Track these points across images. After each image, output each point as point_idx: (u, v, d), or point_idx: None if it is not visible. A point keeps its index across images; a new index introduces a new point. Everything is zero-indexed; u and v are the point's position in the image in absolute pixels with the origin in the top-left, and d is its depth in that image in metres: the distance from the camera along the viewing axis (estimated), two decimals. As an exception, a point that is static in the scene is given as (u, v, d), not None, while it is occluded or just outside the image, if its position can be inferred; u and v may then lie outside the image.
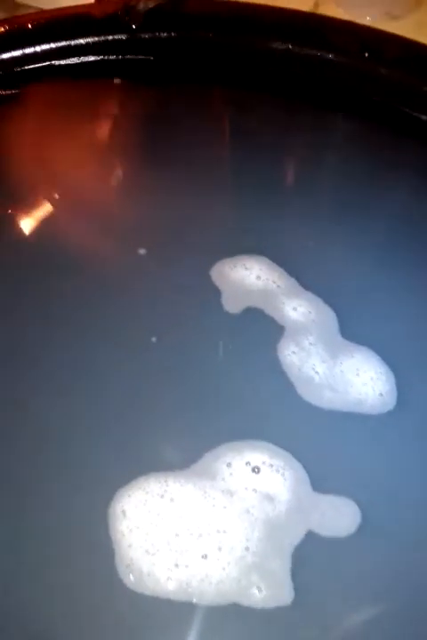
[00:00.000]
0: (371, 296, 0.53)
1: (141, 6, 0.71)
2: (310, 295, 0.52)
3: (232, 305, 0.51)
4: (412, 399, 0.45)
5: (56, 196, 0.62)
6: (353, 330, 0.49)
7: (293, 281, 0.53)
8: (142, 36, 0.72)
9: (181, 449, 0.42)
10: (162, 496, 0.39)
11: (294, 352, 0.48)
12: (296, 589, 0.36)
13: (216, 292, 0.52)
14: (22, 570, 0.36)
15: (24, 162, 0.66)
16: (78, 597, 0.36)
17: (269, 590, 0.36)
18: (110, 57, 0.73)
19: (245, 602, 0.35)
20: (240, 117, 0.70)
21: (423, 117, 0.65)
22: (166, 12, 0.72)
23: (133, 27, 0.70)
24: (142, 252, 0.55)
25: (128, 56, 0.73)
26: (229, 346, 0.48)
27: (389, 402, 0.45)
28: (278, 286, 0.53)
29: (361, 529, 0.38)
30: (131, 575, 0.36)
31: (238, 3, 0.73)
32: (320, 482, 0.40)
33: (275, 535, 0.38)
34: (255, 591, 0.36)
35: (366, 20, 0.73)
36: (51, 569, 0.37)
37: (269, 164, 0.64)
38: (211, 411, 0.44)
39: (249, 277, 0.54)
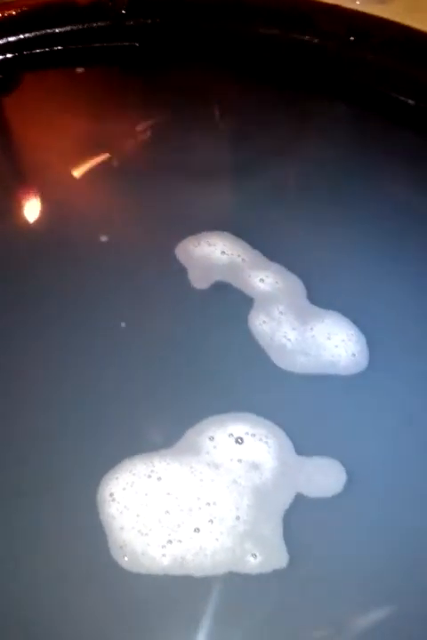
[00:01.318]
0: (335, 261, 0.54)
1: None
2: (275, 265, 0.53)
3: (200, 282, 0.52)
4: (383, 357, 0.46)
5: (21, 184, 0.61)
6: (320, 295, 0.50)
7: (257, 253, 0.54)
8: (127, 22, 0.71)
9: (164, 428, 0.42)
10: (149, 476, 0.39)
11: (264, 322, 0.48)
12: (290, 552, 0.36)
13: (183, 271, 0.52)
14: (15, 563, 0.36)
15: (4, 150, 0.65)
16: (74, 584, 0.35)
17: (263, 556, 0.36)
18: (95, 44, 0.72)
19: (241, 570, 0.36)
20: (216, 99, 0.71)
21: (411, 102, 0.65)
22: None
23: (123, 12, 0.69)
24: (104, 239, 0.55)
25: (113, 43, 0.72)
26: (201, 322, 0.49)
27: (361, 361, 0.46)
28: (244, 260, 0.53)
29: (347, 486, 0.39)
30: (125, 557, 0.36)
31: None
32: (303, 445, 0.41)
33: (264, 502, 0.38)
34: (250, 558, 0.36)
35: (356, 3, 0.72)
36: (44, 559, 0.36)
37: (234, 142, 0.65)
38: (189, 388, 0.44)
39: (214, 253, 0.54)
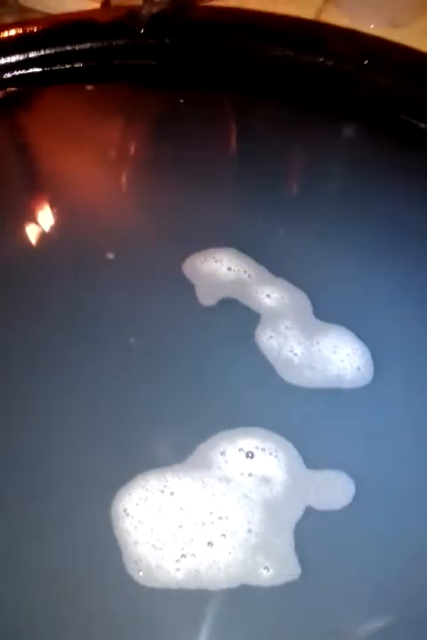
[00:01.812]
0: (340, 276, 0.55)
1: (145, 12, 0.71)
2: (281, 281, 0.54)
3: (207, 298, 0.52)
4: (388, 369, 0.47)
5: (33, 195, 0.62)
6: (326, 310, 0.51)
7: (263, 269, 0.55)
8: (145, 41, 0.73)
9: (176, 443, 0.42)
10: (162, 491, 0.40)
11: (271, 337, 0.49)
12: (301, 564, 0.37)
13: (190, 287, 0.53)
14: (29, 578, 0.37)
15: (23, 163, 0.66)
16: (91, 601, 0.36)
17: (275, 568, 0.37)
18: (114, 62, 0.74)
19: (254, 582, 0.36)
20: (229, 118, 0.72)
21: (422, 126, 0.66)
22: (170, 18, 0.73)
23: (141, 31, 0.71)
24: (111, 255, 0.56)
25: (131, 60, 0.74)
26: (209, 338, 0.49)
27: (367, 375, 0.47)
28: (249, 276, 0.54)
29: (356, 498, 0.40)
30: (140, 571, 0.37)
31: (241, 10, 0.74)
32: (312, 459, 0.41)
33: (275, 515, 0.39)
34: (263, 571, 0.37)
35: (370, 27, 0.72)
36: (59, 577, 0.37)
37: (244, 160, 0.66)
38: (198, 403, 0.45)
39: (220, 269, 0.55)
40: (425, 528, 0.39)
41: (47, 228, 0.60)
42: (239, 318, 0.51)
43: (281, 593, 0.36)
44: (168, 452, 0.42)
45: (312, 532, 0.38)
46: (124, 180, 0.66)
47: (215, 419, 0.44)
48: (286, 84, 0.72)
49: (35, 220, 0.60)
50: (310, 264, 0.55)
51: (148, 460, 0.41)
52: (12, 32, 0.72)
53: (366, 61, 0.67)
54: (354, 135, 0.70)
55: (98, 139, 0.70)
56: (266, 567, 0.37)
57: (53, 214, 0.61)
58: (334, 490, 0.40)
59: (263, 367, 0.47)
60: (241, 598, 0.36)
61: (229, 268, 0.55)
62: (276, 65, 0.72)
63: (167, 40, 0.74)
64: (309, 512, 0.39)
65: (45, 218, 0.61)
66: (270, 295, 0.52)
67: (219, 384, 0.46)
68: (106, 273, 0.55)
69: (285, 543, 0.38)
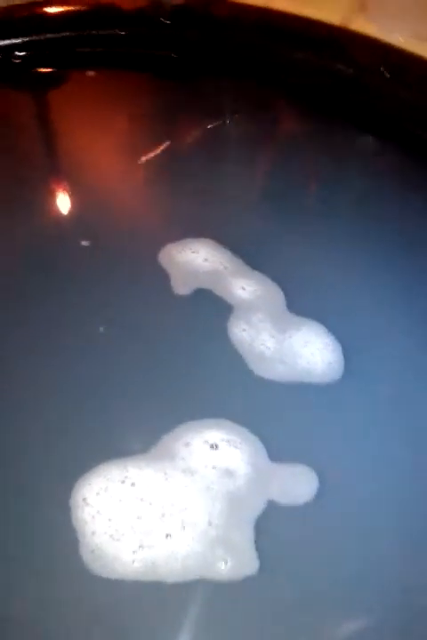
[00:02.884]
0: (315, 271, 0.54)
1: (169, 2, 0.72)
2: (257, 274, 0.53)
3: (181, 288, 0.52)
4: (358, 365, 0.47)
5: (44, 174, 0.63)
6: (300, 305, 0.51)
7: (239, 261, 0.54)
8: (167, 32, 0.73)
9: (140, 433, 0.42)
10: (122, 481, 0.39)
11: (244, 330, 0.49)
12: (261, 559, 0.37)
13: (165, 277, 0.52)
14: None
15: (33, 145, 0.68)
16: (44, 588, 0.36)
17: (234, 562, 0.36)
18: (135, 50, 0.74)
19: (212, 576, 0.36)
20: (238, 113, 0.71)
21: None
22: (193, 10, 0.73)
23: (168, 22, 0.70)
24: (86, 243, 0.55)
25: (152, 51, 0.74)
26: (181, 328, 0.49)
27: (337, 369, 0.46)
28: (226, 268, 0.54)
29: (319, 494, 0.39)
30: (96, 561, 0.36)
31: (266, 9, 0.73)
32: (277, 452, 0.41)
33: (236, 508, 0.38)
34: (221, 564, 0.36)
35: (399, 40, 0.69)
36: (13, 562, 0.36)
37: (235, 155, 0.66)
38: (166, 393, 0.45)
39: (196, 260, 0.54)
40: (387, 527, 0.38)
41: (26, 210, 0.59)
42: (213, 309, 0.50)
43: (239, 587, 0.36)
44: (132, 442, 0.41)
45: (273, 526, 0.38)
46: (115, 167, 0.66)
47: (182, 409, 0.43)
48: (304, 87, 0.71)
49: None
50: (286, 259, 0.55)
51: (111, 449, 0.40)
52: (36, 11, 0.73)
53: (387, 72, 0.66)
54: (349, 136, 0.69)
55: (100, 124, 0.70)
56: (225, 560, 0.36)
57: (38, 196, 0.61)
58: (298, 485, 0.40)
59: (234, 359, 0.47)
60: (198, 591, 0.36)
61: (206, 260, 0.54)
62: (295, 67, 0.71)
63: (188, 33, 0.73)
64: (271, 506, 0.39)
65: (29, 200, 0.60)
66: (245, 288, 0.52)
67: (188, 374, 0.46)
68: (81, 258, 0.54)
69: (245, 537, 0.37)
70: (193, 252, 0.55)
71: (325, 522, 0.38)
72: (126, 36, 0.74)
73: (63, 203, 0.61)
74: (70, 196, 0.62)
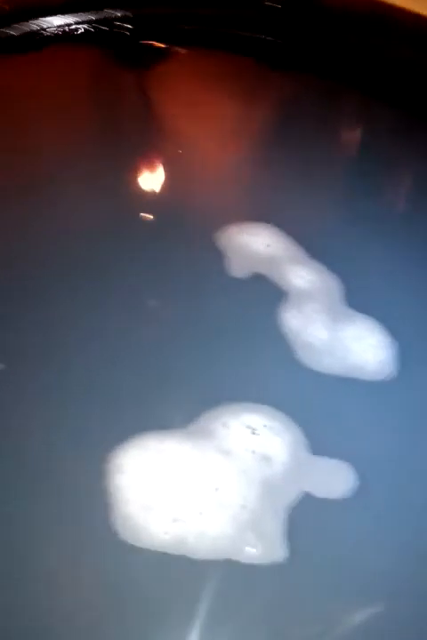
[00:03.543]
0: (377, 267, 0.53)
1: None
2: (316, 264, 0.52)
3: (238, 270, 0.52)
4: (411, 368, 0.45)
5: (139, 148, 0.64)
6: (358, 299, 0.50)
7: (300, 250, 0.54)
8: (277, 18, 0.72)
9: (181, 408, 0.42)
10: (160, 453, 0.39)
11: (296, 317, 0.48)
12: (290, 548, 0.36)
13: (224, 258, 0.52)
14: (17, 519, 0.37)
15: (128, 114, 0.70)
16: (74, 552, 0.36)
17: (263, 548, 0.36)
18: (241, 32, 0.75)
19: (239, 558, 0.36)
20: (331, 107, 0.71)
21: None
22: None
23: (279, 6, 0.70)
24: (150, 217, 0.56)
25: (258, 35, 0.74)
26: (232, 309, 0.49)
27: (388, 369, 0.45)
28: (286, 255, 0.53)
29: (356, 492, 0.38)
30: (127, 530, 0.36)
31: (380, 3, 0.72)
32: (318, 445, 0.40)
33: (271, 495, 0.38)
34: (250, 548, 0.36)
35: None
36: (46, 523, 0.37)
37: (313, 147, 0.65)
38: (211, 372, 0.45)
39: (256, 244, 0.54)
40: (422, 534, 0.37)
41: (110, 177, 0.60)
42: (267, 294, 0.50)
43: (265, 573, 0.35)
44: (172, 415, 0.41)
45: (306, 517, 0.37)
46: (199, 144, 0.67)
47: (225, 389, 0.43)
48: (406, 87, 0.69)
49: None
50: (348, 252, 0.54)
51: (150, 420, 0.41)
52: None
53: None
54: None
55: (193, 102, 0.71)
56: (254, 545, 0.36)
57: (122, 165, 0.62)
58: (336, 480, 0.39)
59: (282, 346, 0.46)
60: (224, 572, 0.35)
61: (268, 245, 0.54)
62: (401, 66, 0.69)
63: (298, 22, 0.73)
64: (306, 497, 0.38)
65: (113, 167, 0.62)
66: (303, 276, 0.51)
67: (234, 355, 0.46)
68: (142, 231, 0.55)
69: (277, 525, 0.37)
70: (254, 236, 0.55)
71: (358, 519, 0.38)
72: (233, 17, 0.74)
73: (140, 175, 0.62)
74: (149, 169, 0.63)
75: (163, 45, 0.77)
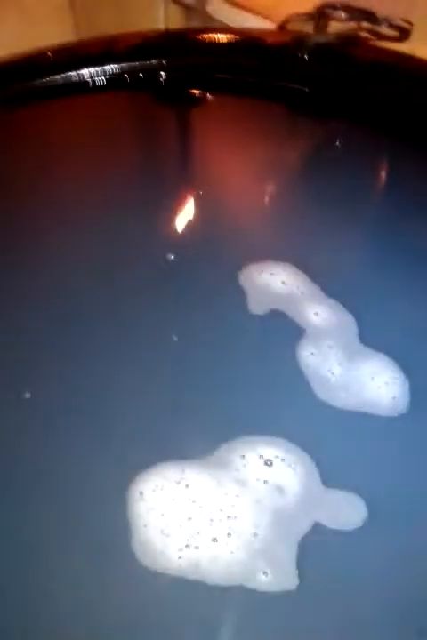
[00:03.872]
0: (392, 306, 0.54)
1: (313, 40, 0.75)
2: (331, 302, 0.54)
3: (256, 306, 0.54)
4: (424, 405, 0.47)
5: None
6: (372, 337, 0.51)
7: (316, 287, 0.55)
8: (305, 67, 0.76)
9: (200, 439, 0.44)
10: (178, 482, 0.41)
11: (312, 354, 0.50)
12: (300, 577, 0.38)
13: (242, 295, 0.54)
14: (37, 546, 0.39)
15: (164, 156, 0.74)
16: (92, 572, 0.38)
17: (274, 575, 0.38)
18: (273, 80, 0.78)
19: (251, 585, 0.37)
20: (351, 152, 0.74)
21: None
22: (333, 49, 0.75)
23: (305, 57, 0.74)
24: (172, 256, 0.58)
25: (287, 83, 0.78)
26: (250, 344, 0.51)
27: (401, 406, 0.46)
28: (302, 292, 0.55)
29: (367, 525, 0.40)
30: (144, 553, 0.38)
31: (405, 56, 0.73)
32: (330, 478, 0.42)
33: (283, 524, 0.40)
34: (262, 576, 0.38)
35: None
36: (61, 541, 0.39)
37: (335, 191, 0.67)
38: (229, 405, 0.46)
39: (275, 282, 0.56)
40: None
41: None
42: (284, 331, 0.52)
43: (276, 600, 0.37)
44: (191, 446, 0.43)
45: (317, 548, 0.39)
46: (225, 185, 0.69)
47: (242, 422, 0.45)
48: None
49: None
50: (363, 290, 0.56)
51: (170, 450, 0.43)
52: (183, 37, 0.81)
53: None
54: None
55: (226, 144, 0.75)
56: (265, 572, 0.38)
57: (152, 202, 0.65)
58: (347, 512, 0.40)
59: (299, 381, 0.48)
60: (236, 597, 0.37)
61: (284, 282, 0.56)
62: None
63: (325, 71, 0.76)
64: (317, 528, 0.40)
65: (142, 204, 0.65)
66: (319, 314, 0.53)
67: (252, 389, 0.47)
68: (165, 269, 0.57)
69: (288, 553, 0.39)
70: (272, 274, 0.57)
71: (369, 552, 0.39)
72: (265, 66, 0.78)
73: (166, 213, 0.65)
74: (175, 207, 0.66)
75: (197, 92, 0.80)
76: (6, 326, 0.51)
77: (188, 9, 0.94)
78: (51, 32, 1.06)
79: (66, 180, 0.67)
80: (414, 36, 0.71)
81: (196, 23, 0.94)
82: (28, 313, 0.53)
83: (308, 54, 0.75)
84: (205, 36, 0.80)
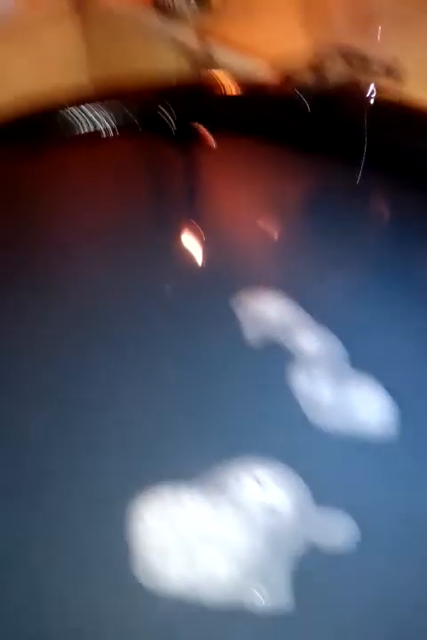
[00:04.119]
0: (379, 332, 0.56)
1: (313, 89, 0.78)
2: (323, 330, 0.56)
3: (250, 334, 0.56)
4: (411, 425, 0.48)
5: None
6: (363, 365, 0.53)
7: (308, 317, 0.57)
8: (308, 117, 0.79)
9: (196, 462, 0.45)
10: (175, 504, 0.43)
11: (304, 379, 0.51)
12: (294, 594, 0.39)
13: (237, 322, 0.56)
14: (40, 562, 0.40)
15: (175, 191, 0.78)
16: (90, 591, 0.40)
17: (268, 593, 0.39)
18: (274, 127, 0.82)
19: (245, 601, 0.39)
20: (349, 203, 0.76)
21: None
22: (332, 97, 0.78)
23: (307, 108, 0.78)
24: (168, 286, 0.60)
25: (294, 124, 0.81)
26: (244, 369, 0.52)
27: (390, 430, 0.48)
28: (294, 321, 0.57)
29: (358, 544, 0.41)
30: (142, 572, 0.40)
31: (412, 107, 0.75)
32: (322, 498, 0.43)
33: (276, 544, 0.41)
34: (256, 593, 0.39)
35: None
36: (66, 563, 0.41)
37: (334, 232, 0.70)
38: (224, 428, 0.48)
39: (268, 311, 0.58)
40: (421, 593, 0.40)
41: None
42: (277, 357, 0.54)
43: (269, 618, 0.38)
44: (188, 469, 0.45)
45: (310, 566, 0.40)
46: (225, 218, 0.73)
47: (237, 445, 0.46)
48: None
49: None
50: (352, 319, 0.58)
51: (169, 474, 0.44)
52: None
53: None
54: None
55: (227, 182, 0.79)
56: (259, 590, 0.39)
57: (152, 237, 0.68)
58: (338, 531, 0.42)
59: (291, 405, 0.50)
60: (231, 614, 0.38)
61: (276, 311, 0.58)
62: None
63: (326, 120, 0.79)
64: (309, 547, 0.41)
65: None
66: (310, 341, 0.55)
67: (246, 413, 0.49)
68: (161, 298, 0.60)
69: (281, 572, 0.40)
70: (265, 304, 0.59)
71: (360, 570, 0.40)
72: (268, 116, 0.83)
73: (166, 246, 0.67)
74: (175, 241, 0.68)
75: (204, 131, 0.83)
76: None
77: (195, 54, 0.97)
78: (63, 73, 1.10)
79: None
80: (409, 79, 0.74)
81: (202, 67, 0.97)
82: None
83: (309, 103, 0.78)
84: (212, 87, 0.85)
